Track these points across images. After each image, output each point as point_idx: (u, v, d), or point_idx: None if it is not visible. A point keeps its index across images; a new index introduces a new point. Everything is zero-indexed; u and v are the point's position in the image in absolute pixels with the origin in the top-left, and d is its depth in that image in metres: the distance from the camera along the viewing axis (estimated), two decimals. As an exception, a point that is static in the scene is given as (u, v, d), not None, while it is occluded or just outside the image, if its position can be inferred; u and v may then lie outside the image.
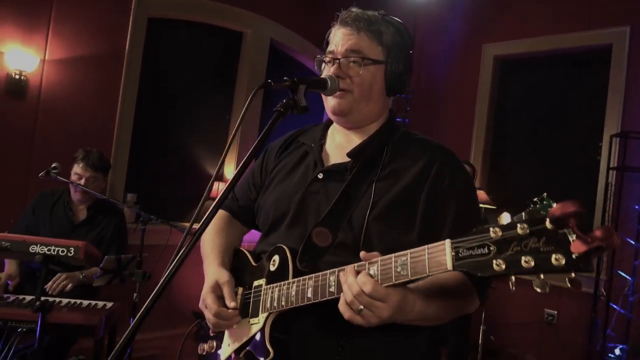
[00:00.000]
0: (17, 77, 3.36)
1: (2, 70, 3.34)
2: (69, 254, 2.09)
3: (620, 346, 3.73)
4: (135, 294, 2.61)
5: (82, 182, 2.74)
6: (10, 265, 2.60)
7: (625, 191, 3.96)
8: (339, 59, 1.17)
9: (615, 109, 4.13)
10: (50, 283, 2.45)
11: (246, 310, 1.19)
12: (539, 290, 0.75)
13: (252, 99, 1.01)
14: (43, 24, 3.50)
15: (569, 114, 4.56)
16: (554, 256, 0.72)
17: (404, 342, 1.12)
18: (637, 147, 3.92)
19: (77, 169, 2.76)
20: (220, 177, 4.76)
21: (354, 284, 0.91)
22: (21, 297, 2.38)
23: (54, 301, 2.31)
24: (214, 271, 1.23)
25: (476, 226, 1.14)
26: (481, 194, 4.35)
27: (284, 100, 1.04)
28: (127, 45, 3.90)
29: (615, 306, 3.80)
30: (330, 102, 1.20)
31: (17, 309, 2.18)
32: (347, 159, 1.20)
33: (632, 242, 3.79)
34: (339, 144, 1.26)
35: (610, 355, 3.75)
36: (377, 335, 1.01)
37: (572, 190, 4.41)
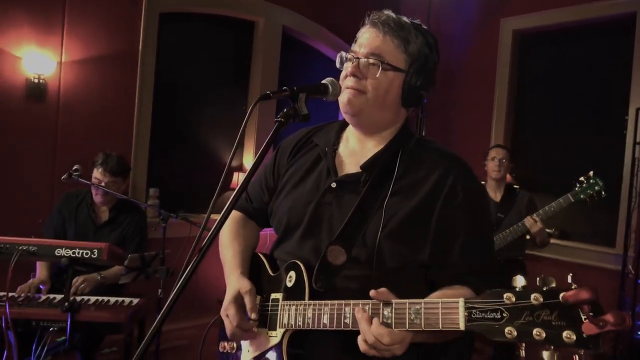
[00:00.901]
0: (36, 80, 3.43)
1: (21, 75, 3.42)
2: (92, 256, 2.16)
3: (650, 324, 3.66)
4: (159, 290, 2.69)
5: (102, 185, 2.81)
6: (41, 271, 2.70)
7: (653, 165, 3.83)
8: (359, 58, 1.15)
9: (641, 81, 3.98)
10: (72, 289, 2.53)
11: (264, 320, 1.21)
12: (546, 359, 0.77)
13: (252, 110, 1.01)
14: (57, 26, 3.56)
15: (592, 87, 4.42)
16: (565, 332, 0.74)
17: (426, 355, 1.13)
18: (664, 119, 3.78)
19: (96, 173, 2.83)
20: (239, 168, 4.81)
21: (368, 332, 0.94)
22: (51, 296, 2.47)
23: (82, 300, 2.39)
24: (236, 280, 1.24)
25: (486, 249, 1.15)
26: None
27: (285, 110, 1.04)
28: (141, 41, 3.93)
29: (644, 283, 3.73)
30: (343, 97, 1.17)
31: (47, 309, 2.27)
32: (360, 170, 1.19)
33: (661, 218, 3.68)
34: (353, 151, 1.25)
35: (639, 332, 3.70)
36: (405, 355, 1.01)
37: (597, 165, 4.29)
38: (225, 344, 1.35)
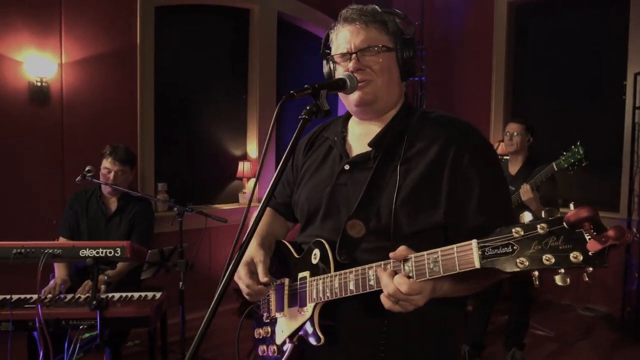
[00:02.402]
0: (38, 84, 3.45)
1: (24, 79, 3.43)
2: (116, 254, 2.22)
3: (656, 284, 3.76)
4: (180, 282, 2.76)
5: (112, 175, 2.90)
6: (60, 271, 2.76)
7: (653, 129, 3.88)
8: (355, 53, 1.20)
9: (638, 46, 4.00)
10: (80, 289, 2.58)
11: (294, 299, 1.28)
12: (560, 283, 0.82)
13: (280, 109, 1.05)
14: (55, 28, 3.56)
15: (590, 54, 4.44)
16: (572, 254, 0.80)
17: (448, 311, 1.20)
18: (663, 82, 3.81)
19: (105, 163, 2.91)
20: (244, 157, 4.85)
21: (390, 284, 0.99)
22: (77, 296, 2.54)
23: (107, 297, 2.46)
24: (250, 248, 1.31)
25: (503, 198, 1.20)
26: (504, 146, 4.33)
27: (308, 107, 1.08)
28: (138, 37, 3.93)
29: (649, 245, 3.81)
30: (353, 96, 1.23)
31: (75, 308, 2.34)
32: (369, 149, 1.25)
33: (663, 181, 3.75)
34: (360, 135, 1.31)
35: (646, 293, 3.79)
36: (421, 308, 1.07)
37: (598, 132, 4.34)
38: (260, 329, 1.42)
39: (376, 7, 1.25)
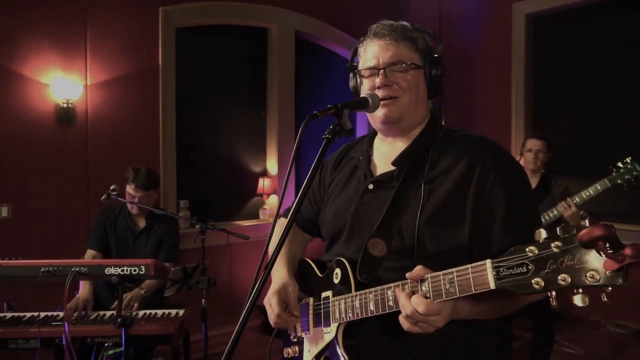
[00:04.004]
0: (64, 105, 3.55)
1: (51, 101, 3.54)
2: (140, 272, 2.25)
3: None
4: (203, 300, 2.77)
5: (136, 200, 2.94)
6: (84, 289, 2.81)
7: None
8: (383, 69, 1.21)
9: (662, 55, 3.94)
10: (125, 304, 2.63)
11: (319, 319, 1.28)
12: (579, 304, 0.79)
13: (303, 130, 1.06)
14: (80, 51, 3.67)
15: (613, 65, 4.37)
16: (588, 273, 0.77)
17: (476, 333, 1.17)
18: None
19: (129, 189, 2.96)
20: (263, 174, 4.89)
21: (408, 304, 0.99)
22: (101, 313, 2.57)
23: (131, 314, 2.49)
24: (282, 275, 1.34)
25: (531, 219, 1.17)
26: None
27: (331, 127, 1.09)
28: (160, 57, 4.02)
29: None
30: (379, 113, 1.23)
31: (100, 326, 2.38)
32: (393, 167, 1.25)
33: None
34: (385, 153, 1.31)
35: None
36: (447, 329, 1.05)
37: (625, 149, 4.26)
38: (289, 349, 1.42)
39: (406, 23, 1.26)
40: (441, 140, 1.25)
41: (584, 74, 4.54)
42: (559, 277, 0.79)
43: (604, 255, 0.76)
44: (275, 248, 1.00)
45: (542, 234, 0.83)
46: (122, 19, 3.83)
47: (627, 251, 0.73)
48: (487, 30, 5.11)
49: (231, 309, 3.92)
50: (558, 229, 0.81)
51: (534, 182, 3.33)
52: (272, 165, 4.89)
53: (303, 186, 1.05)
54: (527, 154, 3.33)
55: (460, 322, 1.06)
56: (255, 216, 4.82)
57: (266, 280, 1.00)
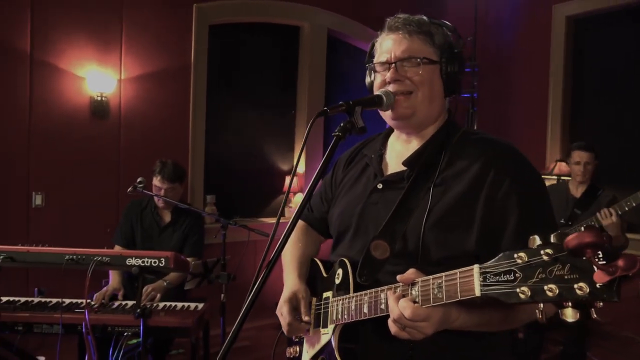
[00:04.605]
0: (99, 99, 3.65)
1: (86, 94, 3.64)
2: (160, 264, 2.28)
3: None
4: (222, 295, 2.79)
5: (162, 192, 2.98)
6: (114, 278, 2.87)
7: None
8: (394, 63, 1.17)
9: None
10: (144, 297, 2.67)
11: (318, 320, 1.27)
12: (568, 319, 0.72)
13: (312, 126, 1.04)
14: (116, 45, 3.76)
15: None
16: (576, 285, 0.70)
17: (475, 343, 1.11)
18: None
19: (155, 181, 3.01)
20: (289, 172, 4.89)
21: (395, 308, 0.94)
22: (124, 303, 2.63)
23: (151, 305, 2.53)
24: (293, 282, 1.32)
25: (547, 229, 1.10)
26: (562, 166, 4.14)
27: (342, 124, 1.06)
28: (192, 54, 4.08)
29: None
30: (390, 110, 1.19)
31: (121, 315, 2.42)
32: (405, 168, 1.21)
33: None
34: (399, 152, 1.27)
35: None
36: (449, 336, 1.02)
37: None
38: (291, 349, 1.41)
39: (424, 17, 1.21)
40: (457, 142, 1.19)
41: (627, 79, 4.34)
42: (546, 288, 0.72)
43: (595, 267, 0.69)
44: (277, 248, 0.98)
45: (536, 240, 0.76)
46: (157, 15, 3.91)
47: (620, 262, 0.66)
48: (525, 32, 4.96)
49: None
50: (552, 235, 0.74)
51: (580, 190, 3.23)
52: (299, 164, 4.89)
53: (309, 186, 1.03)
54: (575, 167, 3.20)
55: (457, 333, 1.01)
56: (281, 213, 4.82)
57: (266, 280, 0.98)
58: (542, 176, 1.22)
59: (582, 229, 0.68)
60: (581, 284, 0.70)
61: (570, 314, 0.72)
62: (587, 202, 3.08)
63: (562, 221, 3.12)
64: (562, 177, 3.96)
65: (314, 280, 1.36)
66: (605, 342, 4.07)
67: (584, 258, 0.70)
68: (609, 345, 4.01)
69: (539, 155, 4.67)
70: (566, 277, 0.71)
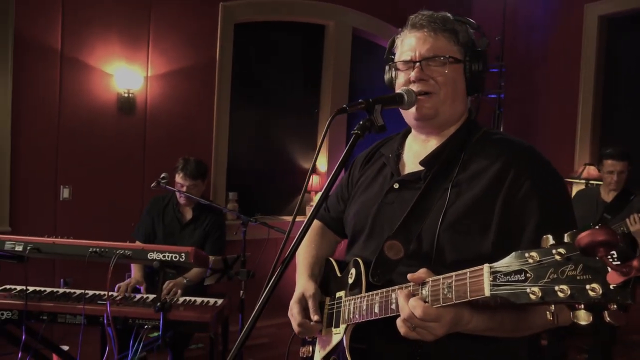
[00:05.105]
0: (126, 95, 3.71)
1: (113, 90, 3.71)
2: (180, 259, 2.30)
3: None
4: (241, 291, 2.81)
5: (184, 189, 3.00)
6: (136, 272, 2.92)
7: None
8: (419, 62, 1.14)
9: None
10: (164, 292, 2.71)
11: (330, 319, 1.26)
12: (581, 322, 0.68)
13: (330, 123, 1.03)
14: (143, 43, 3.82)
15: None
16: (589, 286, 0.67)
17: (484, 347, 1.08)
18: None
19: (178, 178, 3.04)
20: (313, 171, 4.89)
21: (405, 306, 0.93)
22: (145, 296, 2.67)
23: (172, 300, 2.56)
24: (303, 283, 1.32)
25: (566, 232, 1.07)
26: (591, 170, 4.02)
27: (361, 122, 1.05)
28: (218, 52, 4.12)
29: None
30: (413, 109, 1.17)
31: (142, 308, 2.46)
32: (422, 167, 1.18)
33: None
34: (416, 152, 1.25)
35: None
36: (459, 340, 0.99)
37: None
38: (304, 348, 1.40)
39: (448, 14, 1.19)
40: (476, 142, 1.16)
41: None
42: (557, 288, 0.70)
43: (609, 267, 0.65)
44: (292, 246, 0.98)
45: (549, 239, 0.74)
46: (184, 14, 3.96)
47: (635, 263, 0.63)
48: (555, 32, 4.84)
49: (271, 302, 3.94)
50: (566, 235, 0.72)
51: (611, 195, 3.14)
52: (322, 162, 4.89)
53: (325, 186, 1.02)
54: (608, 176, 3.11)
55: (467, 336, 0.98)
56: (302, 212, 4.83)
57: (280, 278, 0.98)
58: (570, 180, 1.18)
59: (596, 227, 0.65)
60: (594, 285, 0.67)
61: (583, 317, 0.68)
62: (618, 207, 2.99)
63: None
64: (591, 182, 3.85)
65: (328, 280, 1.35)
66: (633, 351, 3.95)
67: (597, 258, 0.66)
68: (637, 355, 3.89)
69: (566, 159, 4.55)
70: (578, 277, 0.69)
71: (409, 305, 0.92)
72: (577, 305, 0.69)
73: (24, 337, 2.33)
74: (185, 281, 2.84)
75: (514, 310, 0.96)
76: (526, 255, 0.75)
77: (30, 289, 2.58)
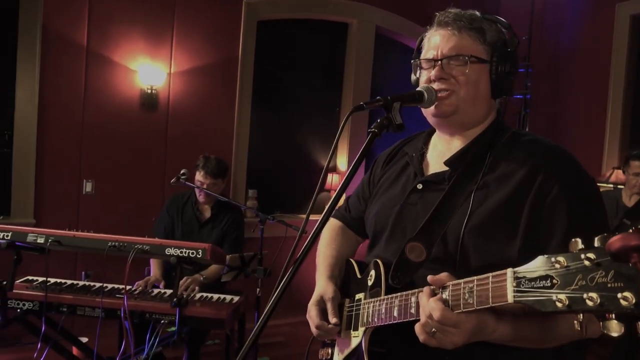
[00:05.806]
0: (149, 91, 3.75)
1: (136, 86, 3.75)
2: (197, 256, 2.31)
3: None
4: (258, 289, 2.80)
5: (204, 187, 3.01)
6: (155, 270, 2.93)
7: None
8: (440, 60, 1.11)
9: None
10: (182, 288, 2.72)
11: (350, 322, 1.23)
12: (612, 333, 0.63)
13: (347, 121, 1.01)
14: (167, 39, 3.85)
15: None
16: (620, 294, 0.62)
17: (508, 357, 1.03)
18: None
19: (198, 176, 3.03)
20: (333, 170, 4.87)
21: (425, 306, 0.89)
22: (162, 291, 2.68)
23: (188, 296, 2.56)
24: (322, 285, 1.29)
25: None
26: (620, 174, 3.90)
27: (378, 120, 1.02)
28: (240, 49, 4.13)
29: None
30: (432, 108, 1.14)
31: (159, 303, 2.47)
32: (447, 168, 1.15)
33: None
34: (441, 152, 1.21)
35: None
36: (483, 350, 0.96)
37: None
38: (323, 351, 1.38)
39: (476, 12, 1.15)
40: (504, 143, 1.12)
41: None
42: (586, 296, 0.65)
43: None
44: (305, 245, 0.96)
45: (578, 244, 0.69)
46: (207, 11, 3.98)
47: None
48: (584, 32, 4.71)
49: (285, 301, 3.92)
50: (596, 238, 0.67)
51: (633, 199, 3.04)
52: (342, 161, 4.86)
53: (341, 184, 1.00)
54: (633, 179, 3.01)
55: (493, 345, 0.94)
56: (322, 211, 4.81)
57: (293, 277, 0.96)
58: (597, 184, 1.13)
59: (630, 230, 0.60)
60: (626, 294, 0.62)
61: (614, 328, 0.63)
62: (638, 212, 2.89)
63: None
64: (619, 186, 3.73)
65: (348, 281, 1.32)
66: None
67: (630, 264, 0.62)
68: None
69: (594, 162, 4.42)
70: (609, 285, 0.64)
71: (429, 305, 0.88)
72: (607, 315, 0.64)
73: (43, 327, 2.37)
74: (202, 278, 2.84)
75: (539, 319, 0.92)
76: (553, 260, 0.71)
77: (52, 280, 2.63)
